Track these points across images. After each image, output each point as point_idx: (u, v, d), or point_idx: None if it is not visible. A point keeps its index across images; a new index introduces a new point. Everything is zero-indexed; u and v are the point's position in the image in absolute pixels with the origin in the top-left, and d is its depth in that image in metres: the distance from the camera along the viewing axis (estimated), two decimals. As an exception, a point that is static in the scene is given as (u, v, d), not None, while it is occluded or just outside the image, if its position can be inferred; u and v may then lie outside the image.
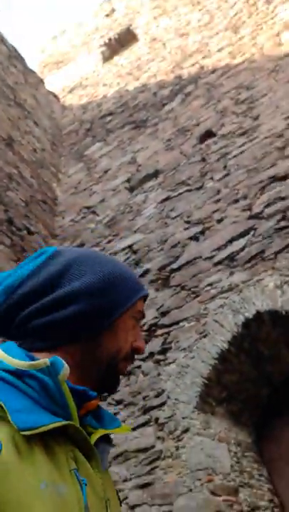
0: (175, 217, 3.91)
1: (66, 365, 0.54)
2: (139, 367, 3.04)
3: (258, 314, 2.82)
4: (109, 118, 6.07)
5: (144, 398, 2.82)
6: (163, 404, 2.73)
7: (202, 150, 4.33)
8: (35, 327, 0.63)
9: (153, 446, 2.56)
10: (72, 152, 6.23)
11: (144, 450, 2.57)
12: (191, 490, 2.26)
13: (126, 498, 2.43)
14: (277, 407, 3.12)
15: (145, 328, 3.25)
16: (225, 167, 3.94)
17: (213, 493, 2.19)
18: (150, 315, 3.31)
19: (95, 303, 0.64)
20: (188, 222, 3.77)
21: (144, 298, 0.73)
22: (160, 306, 3.33)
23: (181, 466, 2.37)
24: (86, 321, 0.64)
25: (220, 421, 2.67)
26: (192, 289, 3.26)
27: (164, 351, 3.05)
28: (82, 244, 4.49)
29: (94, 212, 4.81)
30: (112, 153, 5.44)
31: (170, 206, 4.04)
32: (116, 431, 0.65)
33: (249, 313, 2.84)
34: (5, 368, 0.55)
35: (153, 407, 2.75)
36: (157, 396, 2.79)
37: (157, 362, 3.01)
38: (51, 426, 0.50)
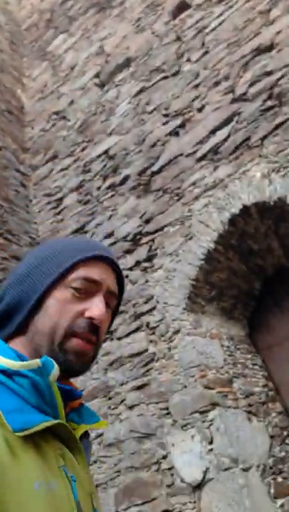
0: (152, 111, 3.48)
1: (56, 365, 0.54)
2: (126, 276, 2.96)
3: (245, 209, 2.62)
4: (70, 3, 5.16)
5: (134, 305, 2.79)
6: (153, 309, 2.70)
7: (176, 27, 3.70)
8: None
9: (146, 350, 2.59)
10: (35, 50, 5.46)
11: (138, 354, 2.60)
12: (185, 386, 2.31)
13: (124, 400, 2.52)
14: (270, 299, 3.11)
15: (130, 238, 3.09)
16: (203, 44, 3.39)
17: (207, 387, 2.24)
18: (134, 223, 3.14)
19: (19, 290, 0.64)
20: (166, 115, 3.36)
21: (90, 261, 0.66)
22: (143, 214, 3.13)
23: (175, 365, 2.41)
24: (15, 309, 0.63)
25: (211, 319, 2.66)
26: (175, 191, 3.02)
27: (150, 258, 2.93)
28: (55, 156, 4.12)
29: (64, 118, 4.34)
30: (77, 45, 4.73)
31: (145, 99, 3.59)
32: (95, 426, 0.66)
33: (235, 208, 2.65)
34: None
35: (143, 313, 2.72)
36: (146, 302, 2.75)
37: (144, 270, 2.91)
38: (43, 425, 0.51)
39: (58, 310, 0.62)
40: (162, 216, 3.02)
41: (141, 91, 3.68)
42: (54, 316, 0.61)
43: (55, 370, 0.55)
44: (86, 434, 0.65)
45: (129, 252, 3.06)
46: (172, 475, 2.11)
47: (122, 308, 2.87)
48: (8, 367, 0.55)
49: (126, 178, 3.37)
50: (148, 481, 2.15)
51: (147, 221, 3.08)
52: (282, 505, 2.00)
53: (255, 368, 2.59)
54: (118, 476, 2.32)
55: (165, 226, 2.96)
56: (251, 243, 2.83)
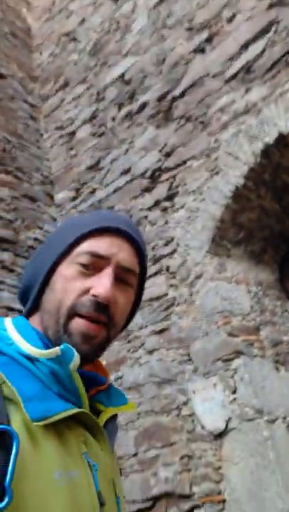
0: (173, 25, 3.00)
1: (77, 353, 0.52)
2: (145, 217, 2.72)
3: (281, 137, 2.27)
4: None
5: (153, 248, 2.58)
6: (173, 252, 2.49)
7: None
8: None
9: (166, 294, 2.42)
10: None
11: (158, 298, 2.44)
12: (207, 333, 2.16)
13: (143, 343, 2.41)
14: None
15: (148, 174, 2.80)
16: None
17: (231, 334, 2.09)
18: (153, 158, 2.83)
19: (30, 270, 0.64)
20: (190, 29, 2.88)
21: (95, 234, 0.60)
22: (163, 146, 2.80)
23: (196, 311, 2.24)
24: (28, 289, 0.63)
25: (237, 263, 2.44)
26: (200, 119, 2.66)
27: (170, 197, 2.66)
28: (66, 84, 3.72)
29: (75, 40, 3.86)
30: None
31: (165, 11, 3.08)
32: (123, 409, 0.63)
33: (270, 137, 2.29)
34: (18, 350, 0.54)
35: (163, 256, 2.52)
36: (166, 244, 2.53)
37: (164, 210, 2.66)
38: (63, 415, 0.49)
39: (63, 287, 0.58)
40: (185, 149, 2.69)
41: (160, 2, 3.16)
42: (59, 293, 0.58)
43: (76, 358, 0.52)
44: (114, 416, 0.62)
45: (147, 190, 2.79)
46: (193, 421, 2.03)
47: (140, 250, 2.67)
48: (29, 352, 0.53)
49: (144, 105, 3.00)
50: (168, 426, 2.09)
51: (168, 154, 2.76)
52: (308, 456, 1.90)
53: (285, 315, 2.40)
54: (138, 419, 2.27)
55: (188, 160, 2.65)
56: (287, 178, 2.50)
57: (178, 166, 2.69)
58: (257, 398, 1.92)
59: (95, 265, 0.58)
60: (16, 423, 0.46)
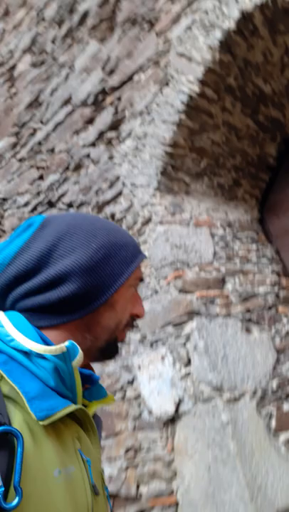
0: None
1: (81, 351, 0.54)
2: (88, 156, 2.18)
3: (245, 18, 1.64)
4: None
5: (96, 193, 2.06)
6: (118, 195, 1.96)
7: None
8: (31, 306, 0.59)
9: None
10: None
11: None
12: (156, 292, 1.66)
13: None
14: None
15: (90, 100, 2.23)
16: None
17: (183, 290, 1.58)
18: (95, 78, 2.24)
19: (88, 281, 0.60)
20: None
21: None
22: (106, 62, 2.21)
23: (144, 264, 1.74)
24: (80, 301, 0.59)
25: (199, 201, 1.89)
26: (147, 18, 2.03)
27: (115, 125, 2.10)
28: (6, 12, 3.10)
29: None
30: None
31: None
32: (104, 402, 0.64)
33: (230, 20, 1.67)
34: (16, 347, 0.53)
35: (107, 202, 2.01)
36: (111, 186, 2.00)
37: (109, 142, 2.11)
38: (64, 412, 0.50)
39: (124, 307, 0.63)
40: (130, 60, 2.09)
41: None
42: (120, 312, 0.62)
43: (79, 356, 0.53)
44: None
45: (90, 121, 2.22)
46: (139, 405, 1.58)
47: (82, 198, 2.16)
48: (32, 349, 0.52)
49: (85, 16, 2.38)
50: (112, 411, 1.65)
51: (111, 71, 2.17)
52: (287, 442, 1.43)
53: (263, 261, 1.87)
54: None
55: (134, 73, 2.05)
56: (261, 82, 1.88)
57: (123, 83, 2.11)
58: (215, 371, 1.43)
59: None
60: (17, 422, 0.47)
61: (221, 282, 1.67)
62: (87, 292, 0.59)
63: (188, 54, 1.82)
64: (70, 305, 0.59)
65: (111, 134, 2.11)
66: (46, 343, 0.54)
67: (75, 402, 0.54)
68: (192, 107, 1.80)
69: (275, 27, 1.69)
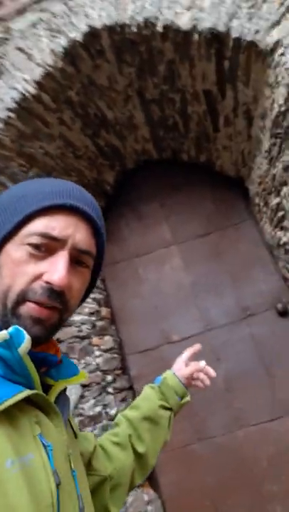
0: None
1: (28, 336, 0.48)
2: None
3: (93, 33, 1.57)
4: None
5: None
6: None
7: None
8: None
9: None
10: None
11: None
12: None
13: None
14: (126, 202, 2.25)
15: None
16: None
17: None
18: None
19: None
20: None
21: (54, 210, 0.52)
22: None
23: None
24: None
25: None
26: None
27: None
28: None
29: None
30: None
31: None
32: (73, 380, 0.59)
33: (77, 32, 1.57)
34: None
35: None
36: None
37: None
38: (14, 399, 0.46)
39: (12, 271, 0.51)
40: None
41: None
42: (7, 278, 0.51)
43: (26, 342, 0.47)
44: (64, 388, 0.59)
45: None
46: None
47: None
48: None
49: None
50: None
51: None
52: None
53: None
54: None
55: None
56: (104, 107, 1.84)
57: None
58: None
59: (47, 247, 0.51)
60: None
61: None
62: None
63: (29, 51, 1.65)
64: None
65: None
66: None
67: (30, 387, 0.50)
68: (25, 108, 1.62)
69: (122, 56, 1.67)
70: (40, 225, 0.51)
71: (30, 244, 0.50)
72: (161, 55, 1.59)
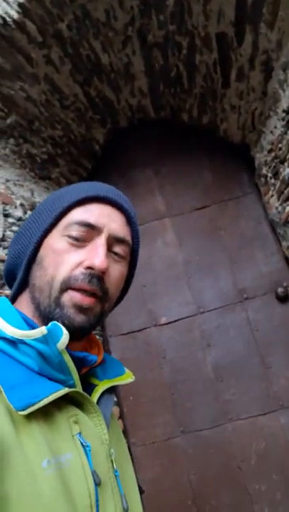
0: None
1: (65, 331, 0.48)
2: None
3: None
4: None
5: None
6: None
7: None
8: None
9: None
10: None
11: None
12: None
13: None
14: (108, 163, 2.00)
15: None
16: None
17: None
18: None
19: (17, 243, 0.59)
20: None
21: (88, 201, 0.56)
22: None
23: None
24: (14, 265, 0.58)
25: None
26: None
27: None
28: None
29: None
30: None
31: None
32: (117, 380, 0.60)
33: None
34: (0, 335, 0.50)
35: None
36: None
37: None
38: (51, 398, 0.45)
39: (54, 262, 0.53)
40: None
41: None
42: (50, 268, 0.53)
43: (64, 337, 0.48)
44: (110, 388, 0.60)
45: None
46: None
47: None
48: (13, 335, 0.48)
49: None
50: None
51: None
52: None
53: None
54: None
55: None
56: (99, 47, 1.57)
57: None
58: None
59: (85, 236, 0.54)
60: None
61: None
62: (18, 255, 0.57)
63: None
64: (10, 274, 0.59)
65: None
66: (32, 327, 0.50)
67: (70, 385, 0.50)
68: (5, 38, 1.34)
69: None
70: (76, 214, 0.54)
71: (69, 235, 0.53)
72: (172, -15, 1.34)
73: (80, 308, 0.51)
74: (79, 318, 0.51)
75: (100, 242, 0.53)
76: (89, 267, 0.52)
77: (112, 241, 0.55)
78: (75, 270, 0.52)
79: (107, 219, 0.55)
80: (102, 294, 0.53)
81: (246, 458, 1.60)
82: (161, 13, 1.46)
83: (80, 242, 0.53)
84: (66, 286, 0.51)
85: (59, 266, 0.52)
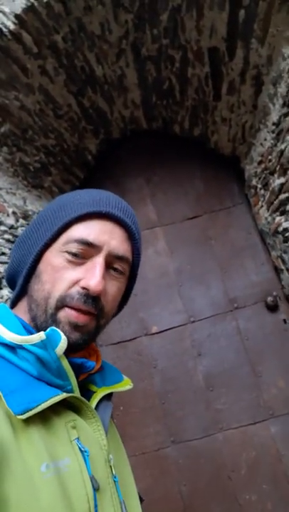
0: None
1: (64, 337, 0.49)
2: None
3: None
4: None
5: None
6: None
7: None
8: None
9: None
10: None
11: None
12: None
13: None
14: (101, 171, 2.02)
15: None
16: None
17: None
18: None
19: (19, 252, 0.59)
20: None
21: (89, 217, 0.55)
22: None
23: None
24: (13, 274, 0.60)
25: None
26: None
27: None
28: None
29: None
30: None
31: None
32: (116, 387, 0.60)
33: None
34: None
35: None
36: None
37: None
38: (49, 403, 0.45)
39: (51, 277, 0.53)
40: None
41: None
42: (47, 284, 0.53)
43: (62, 342, 0.49)
44: (109, 395, 0.60)
45: None
46: None
47: None
48: (12, 341, 0.49)
49: None
50: None
51: None
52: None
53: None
54: None
55: None
56: (93, 60, 1.60)
57: None
58: None
59: (84, 254, 0.54)
60: None
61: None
62: (19, 263, 0.57)
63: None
64: (12, 278, 0.60)
65: None
66: (30, 333, 0.51)
67: (68, 390, 0.50)
68: (0, 47, 1.36)
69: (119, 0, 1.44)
70: (76, 231, 0.53)
71: (68, 252, 0.53)
72: (166, 1, 1.38)
73: (75, 326, 0.51)
74: (73, 336, 0.51)
75: (98, 261, 0.53)
76: (84, 288, 0.51)
77: (112, 258, 0.55)
78: (72, 289, 0.52)
79: (108, 236, 0.54)
80: (98, 312, 0.53)
81: (237, 468, 1.60)
82: (155, 27, 1.50)
83: (78, 258, 0.53)
84: (62, 304, 0.52)
85: (56, 282, 0.52)
